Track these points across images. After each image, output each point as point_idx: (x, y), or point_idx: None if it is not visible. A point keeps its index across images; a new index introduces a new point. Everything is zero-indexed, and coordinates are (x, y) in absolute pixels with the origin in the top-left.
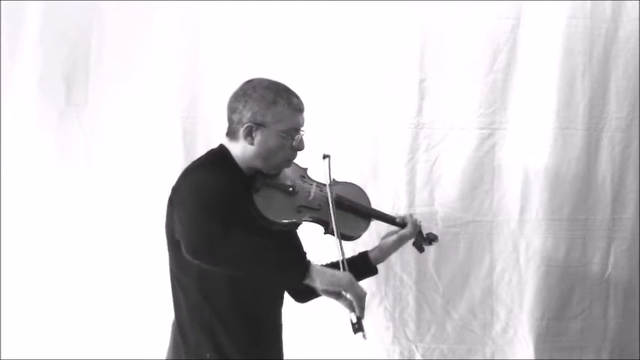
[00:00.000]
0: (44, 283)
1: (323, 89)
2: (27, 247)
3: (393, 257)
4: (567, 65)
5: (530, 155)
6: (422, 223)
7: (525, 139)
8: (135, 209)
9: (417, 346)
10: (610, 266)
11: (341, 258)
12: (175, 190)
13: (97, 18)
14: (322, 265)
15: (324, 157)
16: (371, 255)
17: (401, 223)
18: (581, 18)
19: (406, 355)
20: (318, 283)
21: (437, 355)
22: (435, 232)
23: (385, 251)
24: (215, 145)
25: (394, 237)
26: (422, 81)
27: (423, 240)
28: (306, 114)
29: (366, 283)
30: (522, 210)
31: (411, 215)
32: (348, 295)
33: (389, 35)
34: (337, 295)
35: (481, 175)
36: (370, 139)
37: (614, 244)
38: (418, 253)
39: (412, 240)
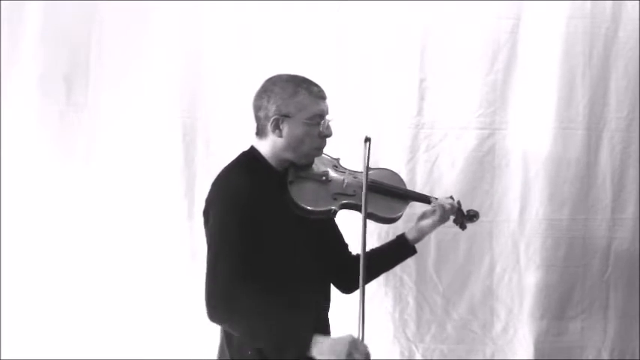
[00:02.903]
0: (44, 283)
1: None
2: (27, 247)
3: None
4: (567, 65)
5: (530, 155)
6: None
7: (525, 139)
8: (134, 209)
9: (417, 346)
10: (610, 266)
11: (362, 253)
12: (207, 200)
13: (97, 18)
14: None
15: (366, 140)
16: (409, 236)
17: (432, 203)
18: (581, 18)
19: (406, 355)
20: (321, 357)
21: (437, 355)
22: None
23: (422, 232)
24: (216, 146)
25: (430, 219)
26: (422, 81)
27: (463, 217)
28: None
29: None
30: (522, 210)
31: (451, 197)
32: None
33: (389, 35)
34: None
35: (481, 175)
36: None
37: (614, 244)
38: (460, 230)
39: (452, 218)
